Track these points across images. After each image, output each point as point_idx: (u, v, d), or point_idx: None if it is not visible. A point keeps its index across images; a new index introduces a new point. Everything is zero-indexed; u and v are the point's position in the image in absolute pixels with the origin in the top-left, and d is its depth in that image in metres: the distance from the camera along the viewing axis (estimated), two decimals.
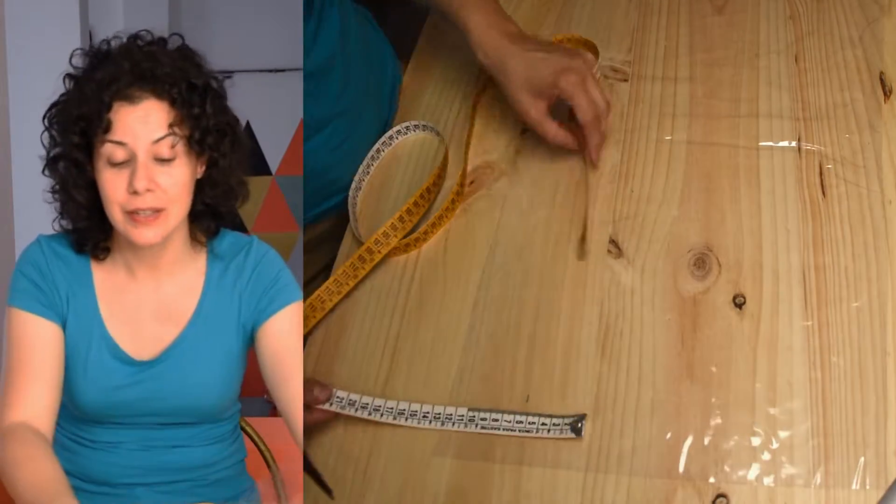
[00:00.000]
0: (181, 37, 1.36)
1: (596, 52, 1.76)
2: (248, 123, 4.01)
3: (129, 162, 1.29)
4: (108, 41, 1.35)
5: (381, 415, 1.33)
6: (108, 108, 1.28)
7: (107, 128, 1.28)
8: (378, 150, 1.69)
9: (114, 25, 3.57)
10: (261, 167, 4.03)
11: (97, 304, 1.38)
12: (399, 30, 1.87)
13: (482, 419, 1.30)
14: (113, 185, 1.30)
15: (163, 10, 3.80)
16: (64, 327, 1.37)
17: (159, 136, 1.30)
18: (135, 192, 1.29)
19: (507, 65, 1.51)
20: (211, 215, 1.40)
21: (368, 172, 1.68)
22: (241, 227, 1.49)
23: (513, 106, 1.53)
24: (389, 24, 1.79)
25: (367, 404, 1.35)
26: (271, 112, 3.81)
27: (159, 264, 1.38)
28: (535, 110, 1.51)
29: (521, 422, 1.29)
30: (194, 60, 1.36)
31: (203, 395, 1.38)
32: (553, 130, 1.52)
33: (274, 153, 4.06)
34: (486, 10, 1.55)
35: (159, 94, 1.30)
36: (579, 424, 1.26)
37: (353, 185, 1.65)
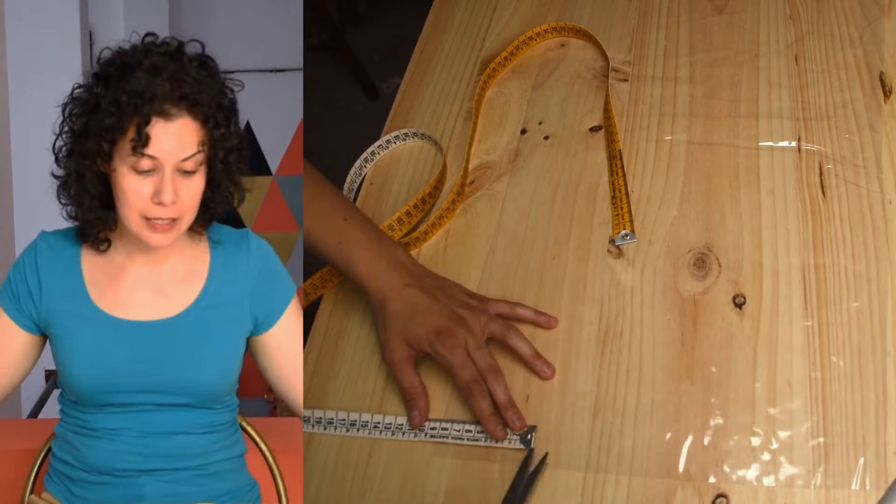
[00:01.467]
0: (201, 44, 1.39)
1: (598, 45, 1.76)
2: (248, 123, 4.02)
3: (154, 171, 1.33)
4: (135, 46, 1.37)
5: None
6: (148, 122, 1.31)
7: (145, 142, 1.31)
8: (373, 153, 1.70)
9: (114, 25, 3.59)
10: (261, 167, 4.03)
11: (85, 288, 1.41)
12: (396, 35, 1.87)
13: (431, 428, 1.31)
14: (136, 192, 1.34)
15: (163, 10, 3.80)
16: (41, 326, 1.43)
17: (189, 154, 1.34)
18: (160, 203, 1.33)
19: (387, 306, 1.38)
20: (205, 209, 1.43)
21: (361, 174, 1.68)
22: (240, 226, 1.51)
23: (381, 343, 1.39)
24: (387, 28, 1.79)
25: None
26: (271, 112, 3.81)
27: (159, 250, 1.42)
28: (399, 354, 1.36)
29: (471, 431, 1.30)
30: (219, 77, 1.39)
31: (203, 370, 1.40)
32: (409, 379, 1.35)
33: (274, 153, 4.06)
34: (370, 242, 1.43)
35: (194, 114, 1.34)
36: (529, 436, 1.27)
37: (346, 187, 1.65)
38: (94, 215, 1.39)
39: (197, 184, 1.36)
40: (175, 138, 1.33)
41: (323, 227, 1.44)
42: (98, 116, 1.33)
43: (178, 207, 1.35)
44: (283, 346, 1.46)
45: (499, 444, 1.28)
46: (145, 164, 1.32)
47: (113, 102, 1.32)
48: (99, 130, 1.33)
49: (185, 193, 1.35)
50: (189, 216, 1.37)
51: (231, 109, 1.39)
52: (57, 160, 1.40)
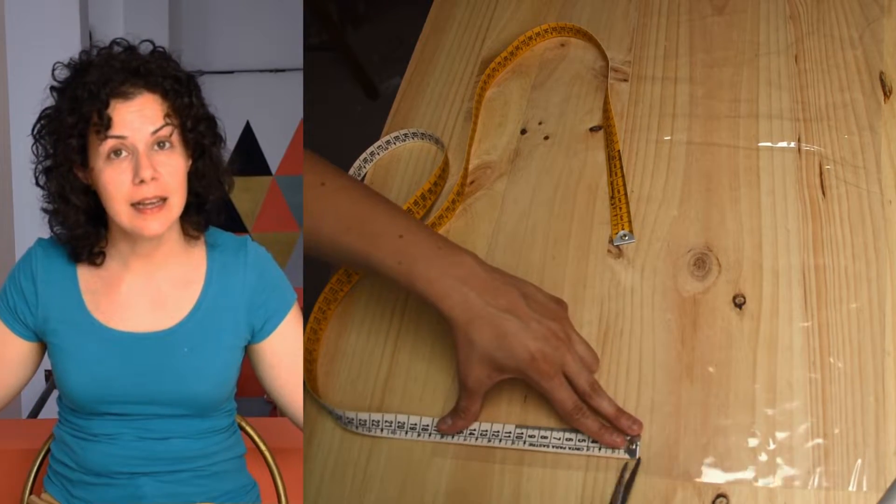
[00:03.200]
0: (152, 42, 1.41)
1: (598, 45, 1.76)
2: (248, 123, 4.02)
3: (130, 156, 1.33)
4: (86, 52, 1.39)
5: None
6: (107, 105, 1.33)
7: (108, 124, 1.32)
8: (372, 153, 1.70)
9: (114, 26, 3.59)
10: (261, 167, 4.03)
11: (81, 297, 1.41)
12: (396, 35, 1.87)
13: (530, 436, 1.27)
14: (116, 181, 1.33)
15: (163, 10, 3.81)
16: (38, 334, 1.43)
17: (157, 126, 1.34)
18: (141, 182, 1.32)
19: (470, 332, 1.25)
20: (197, 210, 1.43)
21: (361, 174, 1.68)
22: (240, 227, 1.51)
23: (459, 367, 1.28)
24: (387, 28, 1.79)
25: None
26: (271, 112, 3.81)
27: (154, 257, 1.42)
28: (477, 382, 1.27)
29: (571, 439, 1.26)
30: (171, 58, 1.41)
31: (199, 382, 1.40)
32: (473, 408, 1.29)
33: (274, 153, 4.06)
34: (433, 257, 1.28)
35: (151, 87, 1.36)
36: (634, 446, 1.24)
37: None
38: (83, 230, 1.39)
39: (176, 160, 1.36)
40: (138, 115, 1.34)
41: (379, 248, 1.31)
42: (61, 120, 1.35)
43: (161, 184, 1.34)
44: (281, 356, 1.45)
45: (603, 454, 1.24)
46: (115, 146, 1.33)
47: (72, 100, 1.34)
48: (65, 131, 1.35)
49: (165, 170, 1.34)
50: (177, 198, 1.36)
51: (191, 83, 1.40)
52: (38, 184, 1.40)
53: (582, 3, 1.88)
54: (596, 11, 1.86)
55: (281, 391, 1.46)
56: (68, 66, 1.38)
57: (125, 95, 1.34)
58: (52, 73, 1.38)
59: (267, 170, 4.08)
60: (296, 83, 3.87)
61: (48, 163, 1.39)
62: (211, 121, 1.42)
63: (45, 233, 1.46)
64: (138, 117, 1.33)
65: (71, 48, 3.28)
